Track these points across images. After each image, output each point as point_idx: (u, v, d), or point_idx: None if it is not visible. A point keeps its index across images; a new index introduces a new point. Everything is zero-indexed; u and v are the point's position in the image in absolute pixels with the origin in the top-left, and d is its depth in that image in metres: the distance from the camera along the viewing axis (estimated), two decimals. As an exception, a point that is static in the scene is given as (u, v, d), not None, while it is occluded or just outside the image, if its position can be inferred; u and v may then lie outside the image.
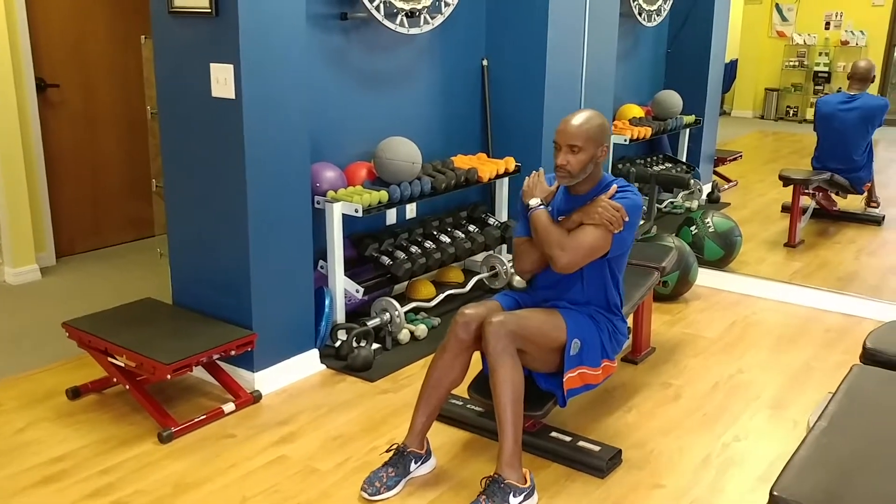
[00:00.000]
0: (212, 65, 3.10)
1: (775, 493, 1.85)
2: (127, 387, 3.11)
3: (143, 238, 5.44)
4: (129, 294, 4.01)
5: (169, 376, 2.91)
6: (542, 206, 2.72)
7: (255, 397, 3.27)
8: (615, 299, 2.86)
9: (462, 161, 4.44)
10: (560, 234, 2.67)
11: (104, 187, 5.26)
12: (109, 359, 3.12)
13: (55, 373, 3.50)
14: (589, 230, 2.66)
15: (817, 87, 10.61)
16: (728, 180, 6.98)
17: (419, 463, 2.72)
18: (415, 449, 2.71)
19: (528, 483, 2.57)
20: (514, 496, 2.51)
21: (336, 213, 3.65)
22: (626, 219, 2.65)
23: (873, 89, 5.73)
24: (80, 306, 3.94)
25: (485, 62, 4.72)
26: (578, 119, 2.64)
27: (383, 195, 3.74)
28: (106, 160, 5.24)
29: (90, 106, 5.10)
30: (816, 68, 10.67)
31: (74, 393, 3.27)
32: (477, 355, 2.79)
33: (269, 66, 3.13)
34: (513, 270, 4.50)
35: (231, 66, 3.05)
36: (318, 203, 3.68)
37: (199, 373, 3.33)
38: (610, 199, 2.67)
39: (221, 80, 3.09)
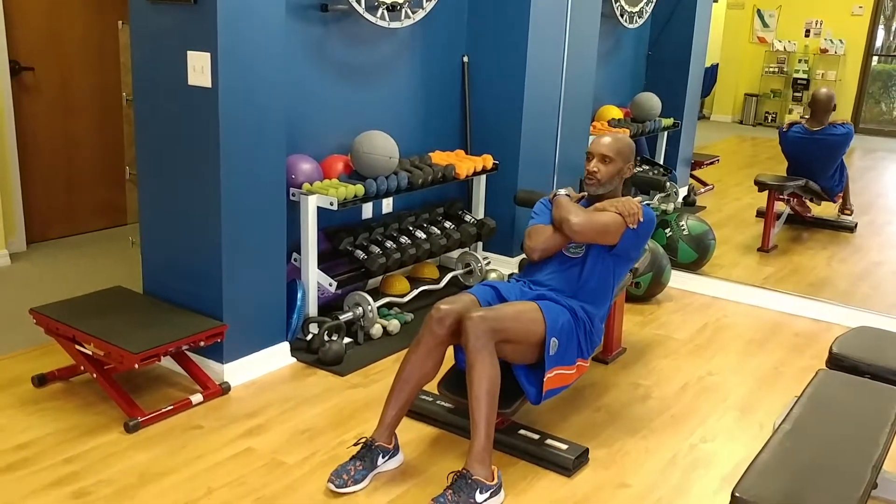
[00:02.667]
0: (189, 52, 3.08)
1: (737, 495, 1.88)
2: (94, 375, 3.08)
3: (116, 226, 5.39)
4: (100, 282, 3.98)
5: (137, 366, 2.89)
6: (567, 196, 3.01)
7: (224, 389, 3.25)
8: (603, 299, 2.97)
9: (440, 157, 4.43)
10: (579, 207, 2.95)
11: (78, 173, 5.20)
12: (77, 346, 3.08)
13: (21, 359, 3.46)
14: (607, 213, 2.91)
15: (796, 94, 10.72)
16: (704, 184, 7.03)
17: (387, 457, 2.72)
18: (383, 443, 2.70)
19: (496, 480, 2.58)
20: (481, 493, 2.51)
21: (311, 206, 3.63)
22: (642, 219, 2.89)
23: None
24: (50, 293, 3.90)
25: (465, 59, 4.72)
26: (611, 137, 2.99)
27: (359, 189, 3.73)
28: (80, 146, 5.18)
29: (65, 90, 5.04)
30: (796, 75, 10.78)
31: (40, 380, 3.23)
32: (449, 352, 2.79)
33: (246, 55, 3.11)
34: (488, 267, 4.51)
35: (208, 55, 3.02)
36: (294, 195, 3.66)
37: (167, 363, 3.30)
38: None
39: (198, 68, 3.06)
